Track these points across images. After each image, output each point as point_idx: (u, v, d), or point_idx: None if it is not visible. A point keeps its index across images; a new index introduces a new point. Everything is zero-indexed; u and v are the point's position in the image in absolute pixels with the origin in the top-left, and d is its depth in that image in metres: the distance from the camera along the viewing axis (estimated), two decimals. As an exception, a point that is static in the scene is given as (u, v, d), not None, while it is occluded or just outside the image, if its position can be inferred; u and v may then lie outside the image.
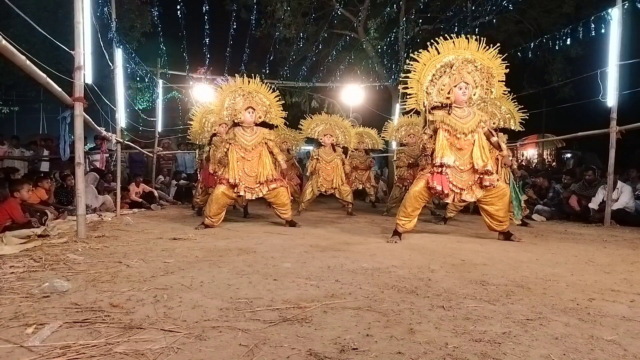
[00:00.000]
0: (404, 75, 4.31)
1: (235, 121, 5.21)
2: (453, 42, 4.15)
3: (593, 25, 7.36)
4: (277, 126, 5.72)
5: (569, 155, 16.24)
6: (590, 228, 5.89)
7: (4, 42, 2.65)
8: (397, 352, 1.54)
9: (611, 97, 6.23)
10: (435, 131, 4.22)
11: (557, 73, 12.46)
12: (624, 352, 1.58)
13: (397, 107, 11.67)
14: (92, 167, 9.03)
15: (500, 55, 4.23)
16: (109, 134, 5.99)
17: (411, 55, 4.28)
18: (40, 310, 1.90)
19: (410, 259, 3.29)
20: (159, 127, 11.11)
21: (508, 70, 4.28)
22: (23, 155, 9.35)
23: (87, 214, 4.78)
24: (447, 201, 4.50)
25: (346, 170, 7.39)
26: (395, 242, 4.13)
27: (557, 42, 8.83)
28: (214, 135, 6.42)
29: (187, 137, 8.74)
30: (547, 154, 17.67)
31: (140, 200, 7.94)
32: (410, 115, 7.26)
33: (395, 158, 8.71)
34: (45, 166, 9.24)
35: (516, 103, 5.69)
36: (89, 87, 4.69)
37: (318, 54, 13.55)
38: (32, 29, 4.33)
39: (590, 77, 7.10)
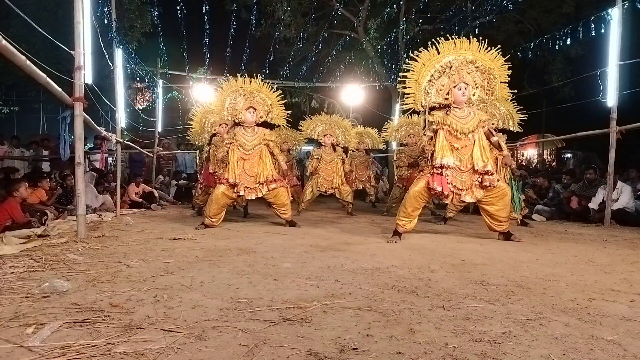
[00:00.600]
0: (402, 74, 4.31)
1: (236, 121, 5.21)
2: (454, 42, 4.14)
3: (593, 25, 7.35)
4: (279, 126, 5.71)
5: (569, 155, 16.24)
6: (590, 228, 5.89)
7: (4, 42, 2.65)
8: (397, 352, 1.54)
9: (611, 97, 6.23)
10: (435, 132, 4.22)
11: (557, 73, 12.46)
12: (624, 352, 1.58)
13: (397, 107, 11.68)
14: (91, 167, 9.03)
15: (502, 57, 4.22)
16: (109, 134, 5.99)
17: (410, 55, 4.27)
18: (40, 310, 1.90)
19: (410, 259, 3.29)
20: (159, 127, 11.12)
21: (508, 70, 4.28)
22: (23, 155, 9.35)
23: (87, 214, 4.78)
24: (446, 202, 4.50)
25: (346, 170, 7.40)
26: (395, 242, 4.13)
27: (557, 42, 8.83)
28: (214, 135, 6.42)
29: (187, 137, 8.74)
30: (547, 154, 17.67)
31: (140, 200, 7.94)
32: (410, 115, 7.26)
33: (395, 158, 8.71)
34: (45, 166, 9.24)
35: (515, 104, 5.69)
36: (89, 87, 4.69)
37: (318, 54, 13.54)
38: (32, 29, 4.33)
39: (590, 77, 7.11)
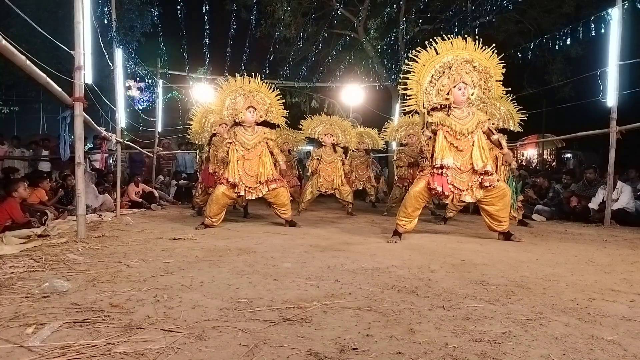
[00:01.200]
0: (404, 76, 4.32)
1: (236, 121, 5.20)
2: (451, 42, 4.15)
3: (593, 25, 7.36)
4: (279, 126, 5.71)
5: (569, 155, 16.24)
6: (590, 228, 5.89)
7: (4, 42, 2.65)
8: (397, 352, 1.54)
9: (611, 97, 6.23)
10: (434, 133, 4.22)
11: (557, 73, 12.47)
12: (624, 352, 1.58)
13: (397, 107, 11.67)
14: (91, 167, 9.03)
15: (498, 55, 4.23)
16: (109, 134, 5.99)
17: (410, 55, 4.28)
18: (40, 310, 1.90)
19: (410, 259, 3.29)
20: (159, 127, 11.12)
21: (508, 70, 4.28)
22: (23, 155, 9.35)
23: (87, 214, 4.78)
24: (446, 202, 4.50)
25: (345, 170, 7.39)
26: (395, 242, 4.13)
27: (557, 42, 8.83)
28: (214, 135, 6.42)
29: (187, 137, 8.75)
30: (547, 154, 17.68)
31: (140, 200, 7.94)
32: (411, 115, 7.26)
33: (395, 158, 8.71)
34: (45, 166, 9.24)
35: (515, 104, 5.69)
36: (89, 87, 4.69)
37: (318, 54, 13.55)
38: (32, 29, 4.33)
39: (590, 77, 7.10)
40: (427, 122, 4.25)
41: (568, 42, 8.76)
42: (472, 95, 4.22)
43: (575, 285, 2.55)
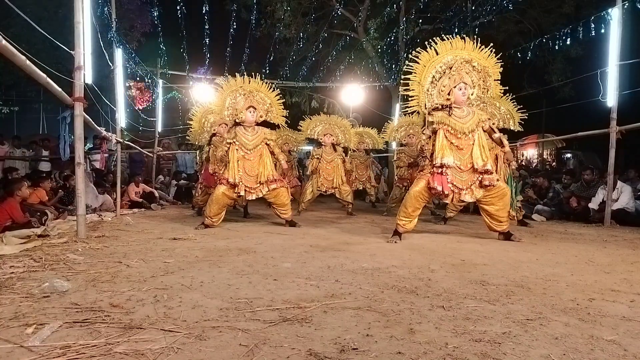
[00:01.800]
0: (404, 77, 4.32)
1: (237, 121, 5.20)
2: (450, 42, 4.16)
3: (593, 25, 7.35)
4: (279, 126, 5.71)
5: (569, 155, 16.23)
6: (590, 228, 5.89)
7: (4, 42, 2.65)
8: (397, 352, 1.54)
9: (611, 97, 6.23)
10: (434, 132, 4.23)
11: (557, 73, 12.46)
12: (624, 352, 1.58)
13: (397, 107, 11.67)
14: (91, 167, 9.03)
15: (497, 55, 4.24)
16: (109, 134, 5.99)
17: (411, 55, 4.28)
18: (40, 310, 1.90)
19: (410, 259, 3.29)
20: (159, 127, 11.12)
21: (508, 70, 4.30)
22: (23, 155, 9.35)
23: (87, 214, 4.78)
24: (446, 201, 4.50)
25: (347, 168, 7.39)
26: (395, 242, 4.13)
27: (557, 42, 8.83)
28: (214, 135, 6.42)
29: (187, 137, 8.75)
30: (547, 154, 17.67)
31: (141, 200, 7.94)
32: (411, 115, 7.26)
33: (395, 158, 8.71)
34: (46, 166, 9.24)
35: (515, 103, 5.69)
36: (89, 87, 4.69)
37: (318, 54, 13.55)
38: (32, 29, 4.33)
39: (590, 77, 7.10)
40: (427, 121, 4.26)
41: (568, 42, 8.75)
42: (472, 95, 4.24)
43: (575, 285, 2.55)
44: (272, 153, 5.31)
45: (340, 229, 5.25)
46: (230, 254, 3.37)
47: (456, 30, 10.00)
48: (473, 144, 4.17)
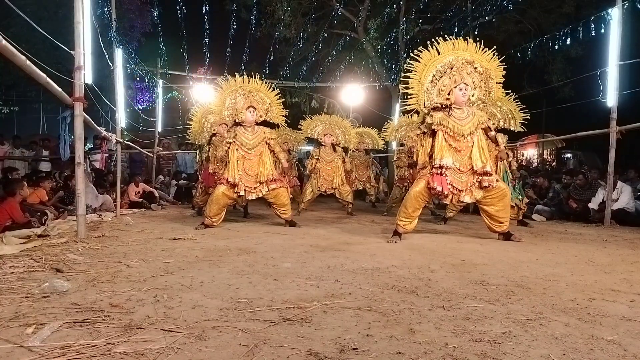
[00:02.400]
0: (405, 75, 4.31)
1: (237, 121, 5.20)
2: (452, 43, 4.15)
3: (593, 25, 7.36)
4: (279, 125, 5.70)
5: (569, 155, 16.23)
6: (590, 228, 5.89)
7: (4, 42, 2.65)
8: (397, 352, 1.54)
9: (611, 97, 6.23)
10: (430, 131, 4.21)
11: (557, 73, 12.46)
12: (624, 352, 1.58)
13: (397, 107, 11.67)
14: (91, 167, 9.03)
15: (499, 57, 4.23)
16: (109, 134, 5.99)
17: (411, 54, 4.27)
18: (40, 310, 1.90)
19: (410, 259, 3.29)
20: (159, 127, 11.12)
21: (508, 70, 4.29)
22: (23, 155, 9.35)
23: (87, 214, 4.78)
24: (446, 202, 4.50)
25: (347, 168, 7.39)
26: (396, 242, 4.13)
27: (557, 42, 8.83)
28: (214, 135, 6.42)
29: (187, 137, 8.75)
30: (547, 154, 17.66)
31: (141, 200, 7.94)
32: (411, 115, 7.27)
33: (395, 158, 8.71)
34: (46, 166, 9.24)
35: (518, 102, 5.68)
36: (89, 87, 4.69)
37: (318, 54, 13.55)
38: (32, 29, 4.33)
39: (590, 77, 7.10)
40: (427, 122, 4.25)
41: (568, 42, 8.75)
42: (472, 96, 4.23)
43: (575, 285, 2.55)
44: (273, 152, 5.31)
45: (340, 229, 5.25)
46: (230, 254, 3.37)
47: (456, 30, 10.00)
48: (472, 146, 4.17)
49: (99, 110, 6.77)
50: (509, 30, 12.34)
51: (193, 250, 3.53)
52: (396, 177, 8.08)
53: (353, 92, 12.92)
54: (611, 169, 6.17)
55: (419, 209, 4.31)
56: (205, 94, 11.55)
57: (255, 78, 5.27)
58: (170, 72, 12.60)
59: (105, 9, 7.05)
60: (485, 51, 4.18)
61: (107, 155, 9.27)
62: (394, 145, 10.90)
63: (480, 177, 4.16)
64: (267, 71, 11.91)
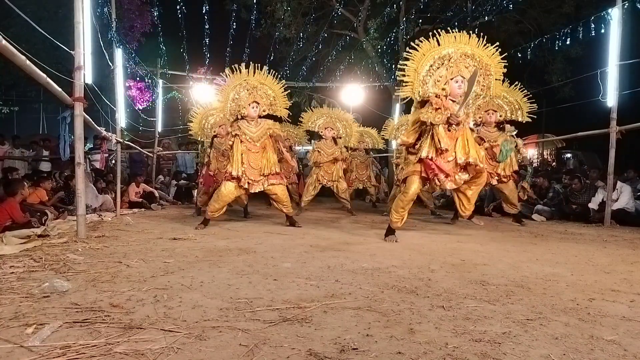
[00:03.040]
0: (402, 62, 4.25)
1: (239, 116, 5.19)
2: (454, 36, 4.12)
3: (593, 25, 7.36)
4: (281, 120, 5.67)
5: (569, 155, 16.22)
6: (590, 228, 5.89)
7: (4, 42, 2.65)
8: (397, 352, 1.54)
9: (611, 97, 6.22)
10: (426, 128, 4.19)
11: (557, 73, 12.46)
12: (624, 352, 1.58)
13: (397, 107, 11.67)
14: (91, 167, 9.03)
15: (500, 55, 4.21)
16: (109, 134, 5.99)
17: (411, 43, 4.24)
18: (40, 310, 1.90)
19: (410, 259, 3.29)
20: (159, 127, 11.12)
21: (508, 70, 4.27)
22: (23, 155, 9.35)
23: (87, 214, 4.78)
24: (439, 188, 4.58)
25: (343, 157, 7.36)
26: (395, 241, 4.13)
27: (557, 42, 8.83)
28: (215, 136, 6.40)
29: (188, 136, 8.74)
30: (547, 154, 17.66)
31: (141, 200, 7.94)
32: (404, 114, 7.28)
33: (395, 157, 8.70)
34: (46, 166, 9.24)
35: (524, 90, 5.69)
36: (89, 87, 4.69)
37: (318, 54, 13.54)
38: (32, 29, 4.33)
39: (590, 77, 7.10)
40: (420, 116, 4.18)
41: (568, 42, 8.75)
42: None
43: (575, 285, 2.55)
44: (277, 142, 5.28)
45: (340, 229, 5.25)
46: (230, 254, 3.37)
47: (456, 30, 9.99)
48: (458, 139, 4.13)
49: (99, 110, 6.77)
50: (509, 30, 12.33)
51: (193, 250, 3.53)
52: (396, 176, 8.07)
53: (353, 92, 12.92)
54: (611, 169, 6.17)
55: (410, 205, 4.33)
56: (205, 94, 11.55)
57: (261, 70, 5.24)
58: (170, 72, 12.60)
59: (105, 9, 7.05)
60: (488, 46, 4.15)
61: (107, 155, 9.27)
62: (394, 144, 10.90)
63: (463, 169, 4.19)
64: (267, 71, 11.89)
